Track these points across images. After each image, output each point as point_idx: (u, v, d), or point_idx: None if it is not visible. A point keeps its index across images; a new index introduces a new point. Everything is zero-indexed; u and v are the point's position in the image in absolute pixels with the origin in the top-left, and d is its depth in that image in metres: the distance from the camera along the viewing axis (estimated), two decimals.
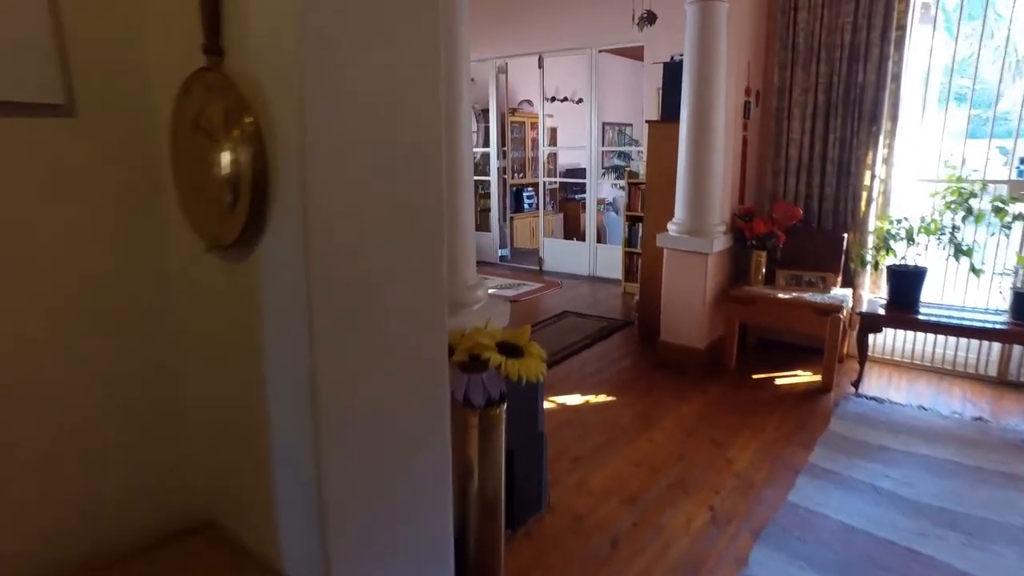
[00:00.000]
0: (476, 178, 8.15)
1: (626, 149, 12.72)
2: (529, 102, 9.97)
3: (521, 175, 9.65)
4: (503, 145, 9.14)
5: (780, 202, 3.98)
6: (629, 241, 5.96)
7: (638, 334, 4.56)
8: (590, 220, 6.86)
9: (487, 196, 8.03)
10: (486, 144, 7.78)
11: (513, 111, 9.37)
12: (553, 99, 10.86)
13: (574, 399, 3.55)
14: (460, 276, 2.09)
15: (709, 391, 3.61)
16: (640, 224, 5.90)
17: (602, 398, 3.56)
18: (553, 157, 10.71)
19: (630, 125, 13.17)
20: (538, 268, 7.23)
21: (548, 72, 11.23)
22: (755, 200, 4.20)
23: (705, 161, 3.63)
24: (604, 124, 12.74)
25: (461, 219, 2.10)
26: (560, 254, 7.11)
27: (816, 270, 3.81)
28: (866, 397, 3.51)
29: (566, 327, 4.92)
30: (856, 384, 3.60)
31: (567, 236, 10.96)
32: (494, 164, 7.46)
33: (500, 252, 7.69)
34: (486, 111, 7.70)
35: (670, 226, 3.87)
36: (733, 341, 3.89)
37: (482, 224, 8.43)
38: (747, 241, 3.89)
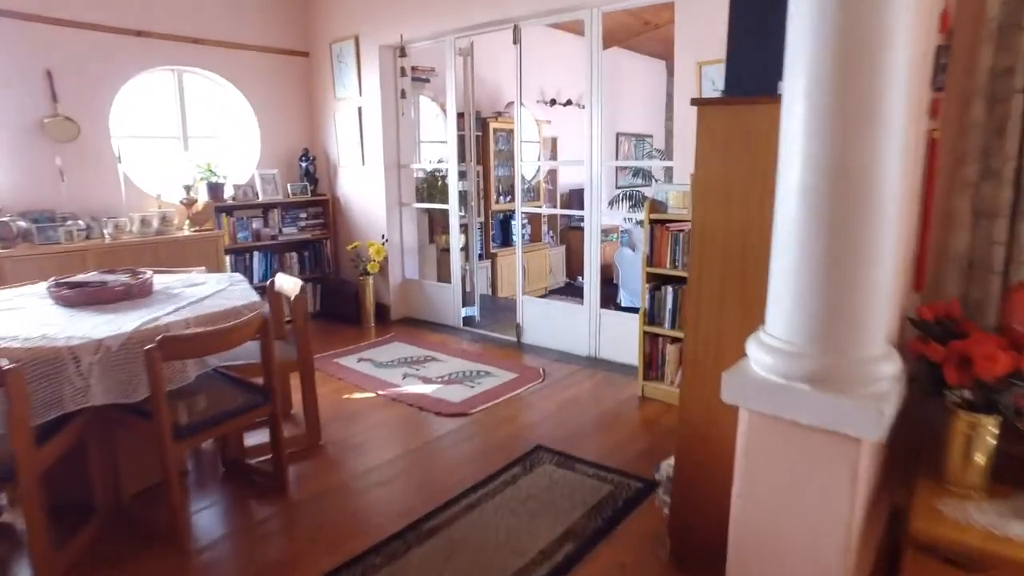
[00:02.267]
0: (426, 206, 5.89)
1: (644, 164, 10.47)
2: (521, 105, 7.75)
3: (509, 198, 7.41)
4: (482, 160, 6.91)
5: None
6: (651, 314, 3.66)
7: (669, 532, 2.25)
8: (590, 270, 4.56)
9: (445, 231, 5.77)
10: (463, 159, 5.52)
11: (498, 115, 7.14)
12: (553, 102, 8.65)
13: None
14: None
15: None
16: (669, 290, 3.59)
17: None
18: (552, 175, 8.47)
19: (650, 136, 10.90)
20: (515, 339, 4.94)
21: (547, 70, 9.05)
22: (950, 282, 1.87)
23: (857, 198, 1.32)
24: (618, 134, 10.50)
25: None
26: (548, 319, 4.81)
27: None
28: None
29: (532, 496, 2.63)
30: None
31: (570, 274, 8.68)
32: (454, 186, 5.21)
33: (464, 311, 5.41)
34: (462, 115, 5.49)
35: (755, 349, 1.55)
36: None
37: (441, 271, 6.15)
38: (943, 389, 1.59)
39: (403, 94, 5.07)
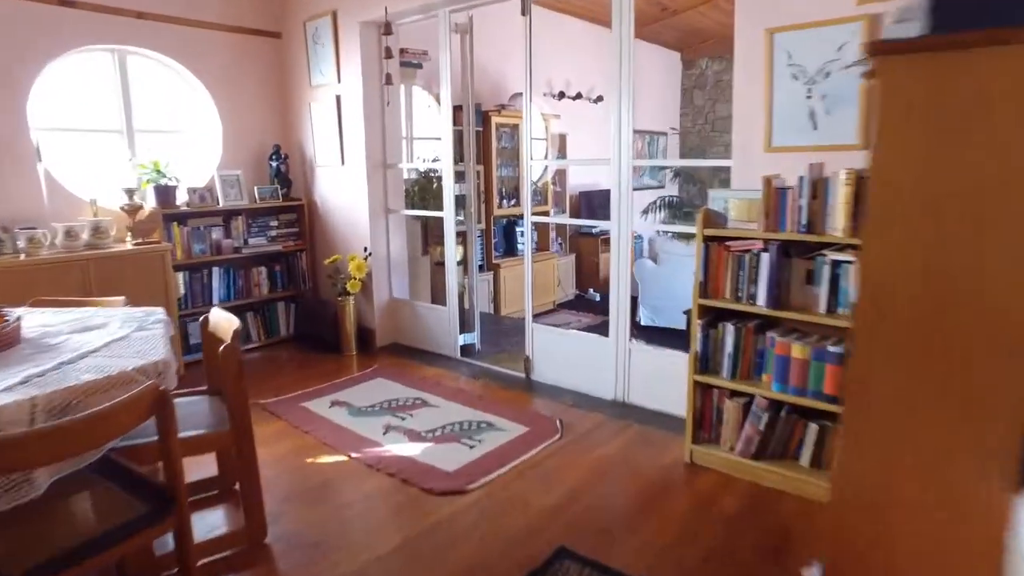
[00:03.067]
0: (418, 213, 5.04)
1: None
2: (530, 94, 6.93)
3: (514, 202, 6.57)
4: (483, 160, 6.07)
5: None
6: (704, 359, 2.82)
7: None
8: (618, 294, 3.71)
9: (440, 242, 4.93)
10: (461, 159, 4.67)
11: (501, 108, 6.30)
12: (562, 95, 7.81)
13: None
14: None
15: None
16: (729, 328, 2.73)
17: None
18: (561, 176, 7.64)
19: (663, 134, 10.07)
20: (524, 375, 4.10)
21: (554, 61, 8.20)
22: None
23: None
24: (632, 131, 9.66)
25: None
26: (563, 351, 3.97)
27: None
28: None
29: None
30: None
31: (580, 285, 7.84)
32: (451, 189, 4.36)
33: (462, 339, 4.56)
34: (460, 107, 4.64)
35: None
36: None
37: (435, 289, 5.31)
38: None
39: (388, 79, 4.23)
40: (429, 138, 5.89)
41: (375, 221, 4.62)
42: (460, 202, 4.51)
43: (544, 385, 3.96)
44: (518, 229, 6.61)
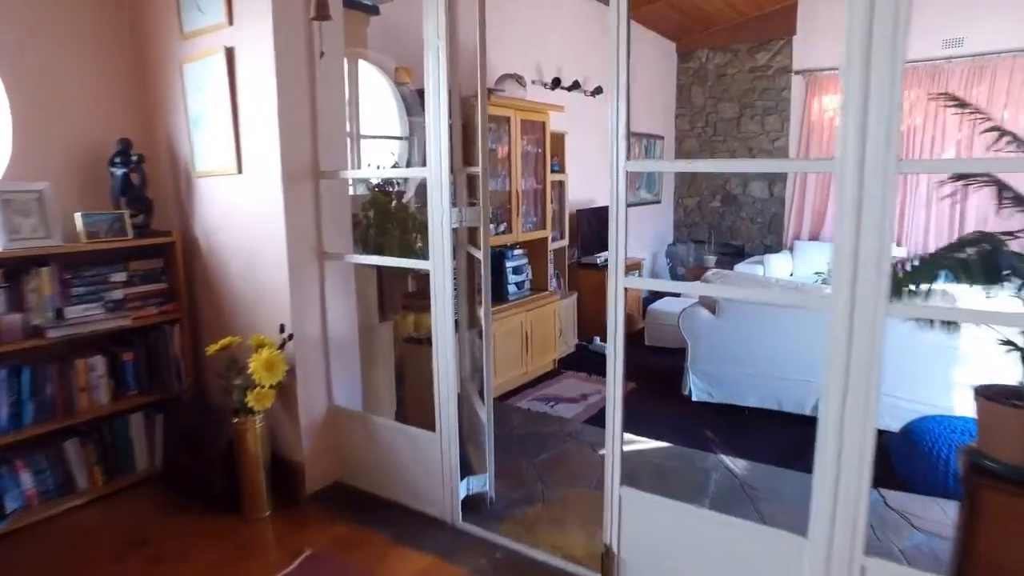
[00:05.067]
0: (377, 260, 3.00)
1: (664, 166, 7.98)
2: (518, 79, 5.02)
3: (505, 227, 4.65)
4: (468, 163, 4.13)
5: None
6: None
7: None
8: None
9: (414, 306, 2.85)
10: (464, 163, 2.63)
11: (489, 93, 4.38)
12: (556, 83, 5.97)
13: None
14: None
15: None
16: None
17: None
18: (558, 189, 5.78)
19: (661, 138, 8.40)
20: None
21: (545, 41, 6.30)
22: None
23: None
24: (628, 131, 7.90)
25: None
26: (679, 539, 2.02)
27: None
28: None
29: None
30: None
31: (582, 333, 5.98)
32: (441, 217, 2.36)
33: (466, 485, 2.56)
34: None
35: None
36: None
37: (409, 387, 3.24)
38: None
39: (321, 11, 2.25)
40: (389, 137, 3.92)
41: (300, 273, 2.59)
42: (455, 238, 2.53)
43: None
44: (508, 264, 4.69)
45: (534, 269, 5.02)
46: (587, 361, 5.31)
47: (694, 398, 4.17)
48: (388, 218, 3.17)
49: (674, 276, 7.85)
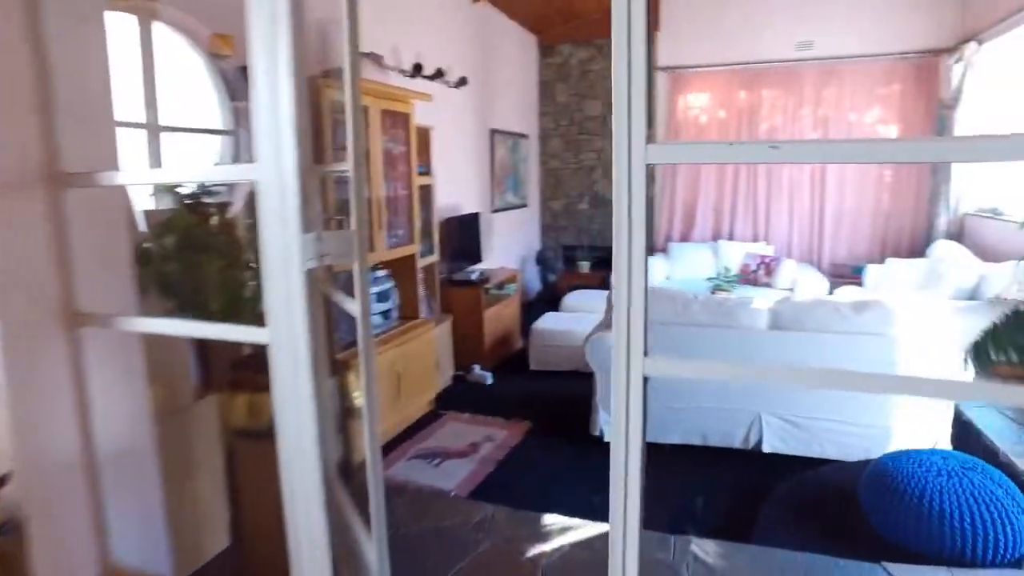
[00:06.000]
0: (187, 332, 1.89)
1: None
2: (376, 58, 4.05)
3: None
4: (319, 160, 3.13)
5: None
6: None
7: None
8: None
9: (254, 375, 1.85)
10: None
11: (326, 74, 3.39)
12: (418, 70, 5.08)
13: None
14: None
15: None
16: None
17: None
18: (424, 194, 4.90)
19: (525, 137, 7.81)
20: None
21: (404, 21, 5.29)
22: None
23: None
24: (493, 131, 7.20)
25: None
26: None
27: None
28: None
29: None
30: None
31: (459, 362, 5.15)
32: (294, 243, 1.41)
33: None
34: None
35: None
36: None
37: (253, 509, 2.18)
38: None
39: None
40: (201, 131, 2.83)
41: (25, 355, 1.49)
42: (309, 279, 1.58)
43: None
44: (371, 290, 3.75)
45: (402, 293, 4.12)
46: (468, 396, 4.52)
47: (606, 439, 3.53)
48: (202, 246, 2.11)
49: (545, 284, 7.31)
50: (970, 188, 5.80)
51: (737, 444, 3.35)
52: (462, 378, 4.86)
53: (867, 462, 2.71)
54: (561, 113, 7.67)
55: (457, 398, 4.46)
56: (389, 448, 3.66)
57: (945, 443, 3.06)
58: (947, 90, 5.86)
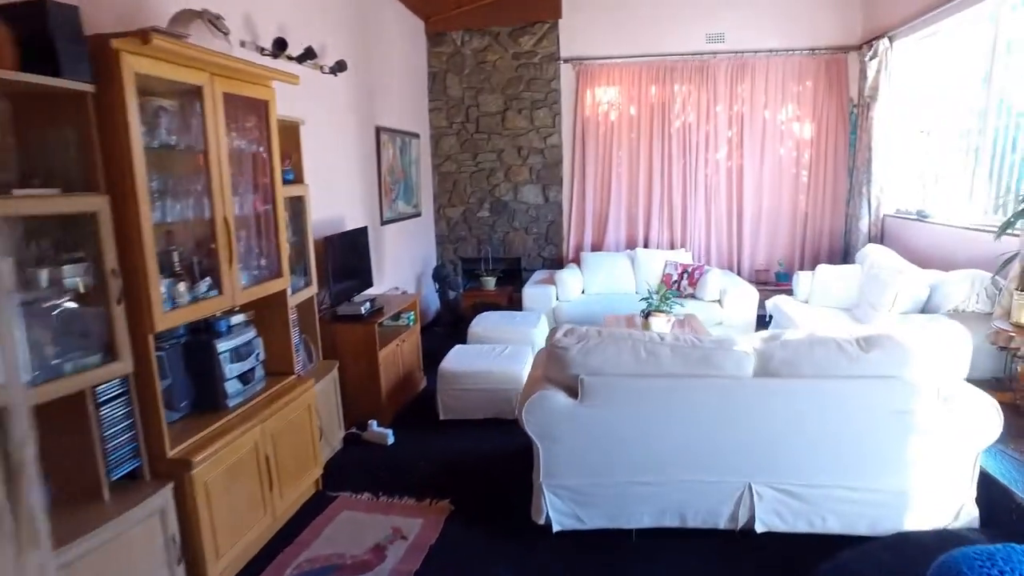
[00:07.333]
0: None
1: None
2: (213, 20, 2.95)
3: (209, 286, 2.59)
4: (110, 179, 1.99)
5: None
6: None
7: None
8: None
9: None
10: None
11: (148, 35, 2.30)
12: (281, 48, 3.97)
13: None
14: None
15: None
16: None
17: None
18: (296, 206, 3.80)
19: (416, 136, 6.81)
20: None
21: None
22: None
23: None
24: (379, 129, 6.09)
25: None
26: None
27: None
28: None
29: None
30: None
31: (349, 418, 4.07)
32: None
33: None
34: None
35: None
36: None
37: None
38: None
39: None
40: None
41: None
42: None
43: None
44: (221, 347, 2.67)
45: (270, 343, 3.05)
46: (365, 465, 3.53)
47: (556, 527, 2.70)
48: None
49: (445, 305, 6.38)
50: (888, 189, 5.57)
51: (723, 524, 2.63)
52: (356, 438, 3.85)
53: (900, 539, 2.07)
54: (455, 109, 6.77)
55: (351, 469, 3.46)
56: (258, 564, 2.61)
57: (971, 507, 2.51)
58: (863, 87, 5.61)
